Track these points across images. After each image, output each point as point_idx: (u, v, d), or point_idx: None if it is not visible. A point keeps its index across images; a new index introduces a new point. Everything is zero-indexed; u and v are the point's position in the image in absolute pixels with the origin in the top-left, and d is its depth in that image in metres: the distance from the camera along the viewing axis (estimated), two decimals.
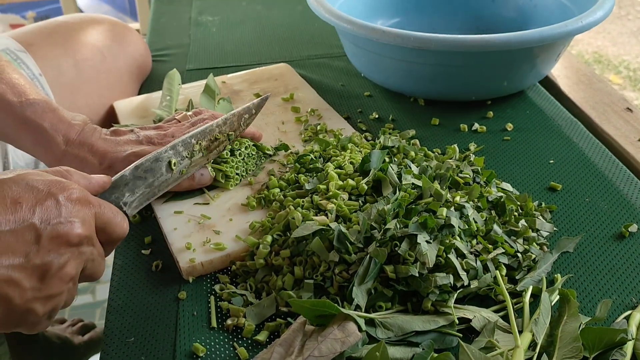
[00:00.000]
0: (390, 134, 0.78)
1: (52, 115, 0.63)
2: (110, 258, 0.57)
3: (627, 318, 0.52)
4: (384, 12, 1.03)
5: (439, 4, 1.04)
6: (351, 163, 0.67)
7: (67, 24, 0.90)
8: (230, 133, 0.67)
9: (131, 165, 0.55)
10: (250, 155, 0.71)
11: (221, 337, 0.53)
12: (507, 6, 1.01)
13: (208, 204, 0.66)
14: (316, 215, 0.60)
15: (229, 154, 0.69)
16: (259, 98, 0.71)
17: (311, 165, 0.69)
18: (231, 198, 0.67)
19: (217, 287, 0.57)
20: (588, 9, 0.77)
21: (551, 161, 0.74)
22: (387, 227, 0.55)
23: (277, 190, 0.65)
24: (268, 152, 0.73)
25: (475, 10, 1.04)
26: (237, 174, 0.69)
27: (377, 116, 0.84)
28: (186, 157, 0.61)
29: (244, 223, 0.63)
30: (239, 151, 0.69)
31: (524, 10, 0.99)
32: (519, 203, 0.64)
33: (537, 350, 0.47)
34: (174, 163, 0.59)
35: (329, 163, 0.68)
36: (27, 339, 0.93)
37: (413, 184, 0.62)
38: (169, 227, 0.63)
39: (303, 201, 0.62)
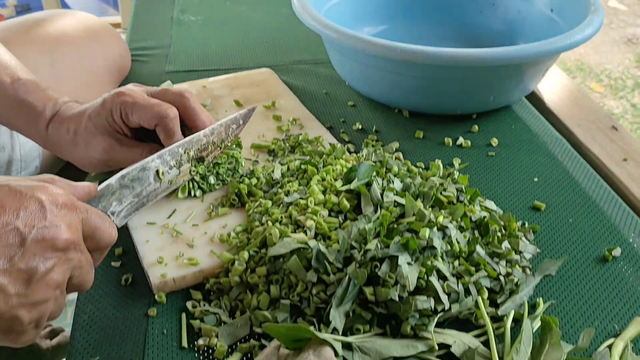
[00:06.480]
0: (373, 146, 0.76)
1: (43, 94, 0.64)
2: None
3: (610, 347, 0.51)
4: (372, 19, 1.01)
5: (427, 13, 1.03)
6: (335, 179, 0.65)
7: (45, 21, 0.88)
8: (219, 143, 0.65)
9: (117, 174, 0.54)
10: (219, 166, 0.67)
11: (191, 358, 0.51)
12: (495, 18, 1.00)
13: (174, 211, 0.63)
14: (295, 232, 0.58)
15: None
16: (246, 109, 0.69)
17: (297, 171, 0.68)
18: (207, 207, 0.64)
19: (189, 305, 0.55)
20: (577, 25, 0.76)
21: (535, 179, 0.73)
22: (367, 247, 0.53)
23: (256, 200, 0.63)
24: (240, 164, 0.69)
25: (463, 21, 1.03)
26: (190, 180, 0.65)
27: (360, 127, 0.82)
28: (174, 166, 0.60)
29: (220, 229, 0.62)
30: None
31: (512, 22, 0.98)
32: (502, 223, 0.62)
33: None
34: (162, 172, 0.58)
35: (315, 175, 0.66)
36: None
37: (395, 201, 0.60)
38: (140, 239, 0.60)
39: (282, 216, 0.60)
